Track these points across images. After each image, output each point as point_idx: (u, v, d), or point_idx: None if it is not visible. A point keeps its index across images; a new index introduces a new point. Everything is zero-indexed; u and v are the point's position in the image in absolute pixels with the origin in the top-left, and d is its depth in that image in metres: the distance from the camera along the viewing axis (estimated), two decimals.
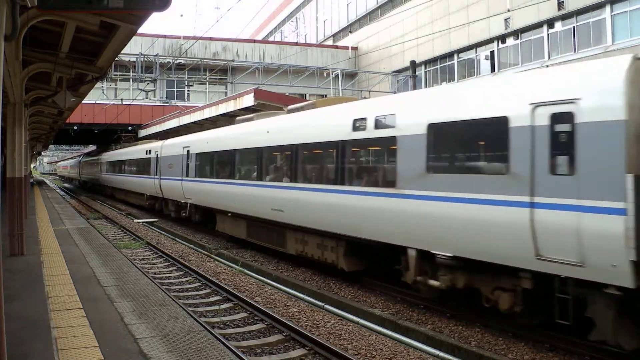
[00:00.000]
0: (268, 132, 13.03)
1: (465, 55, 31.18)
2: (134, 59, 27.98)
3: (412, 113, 8.65)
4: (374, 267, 10.74)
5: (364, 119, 9.52)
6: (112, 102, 33.86)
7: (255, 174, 13.65)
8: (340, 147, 10.08)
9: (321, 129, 10.97)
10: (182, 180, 19.19)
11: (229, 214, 15.29)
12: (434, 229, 7.90)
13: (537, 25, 25.46)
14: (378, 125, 9.23)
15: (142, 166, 25.70)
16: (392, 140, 8.78)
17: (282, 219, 12.07)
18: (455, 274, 7.87)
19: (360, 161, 10.26)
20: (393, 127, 8.82)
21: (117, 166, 32.57)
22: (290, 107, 13.54)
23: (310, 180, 11.28)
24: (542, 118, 6.51)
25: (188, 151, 18.90)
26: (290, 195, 11.58)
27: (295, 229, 11.89)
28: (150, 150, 24.64)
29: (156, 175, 22.97)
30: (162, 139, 26.22)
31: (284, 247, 12.58)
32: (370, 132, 9.37)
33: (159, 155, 22.83)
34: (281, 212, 12.00)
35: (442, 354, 7.00)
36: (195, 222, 19.26)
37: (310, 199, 10.86)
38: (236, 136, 15.22)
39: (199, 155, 18.01)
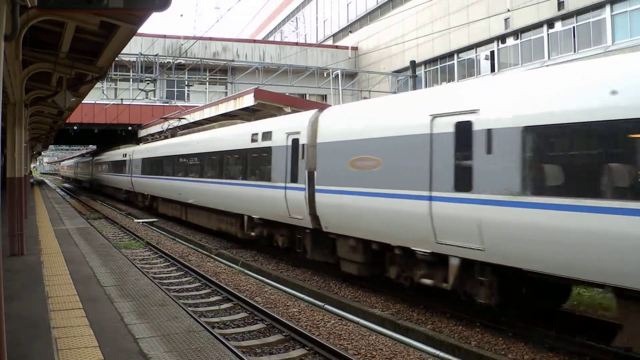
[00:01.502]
0: None
1: (465, 55, 31.19)
2: (134, 59, 28.01)
3: None
4: None
5: None
6: (112, 102, 33.86)
7: None
8: None
9: None
10: (427, 199, 7.81)
11: None
12: None
13: (537, 25, 25.48)
14: None
15: (241, 164, 14.58)
16: None
17: None
18: None
19: None
20: None
21: (170, 166, 21.43)
22: None
23: None
24: None
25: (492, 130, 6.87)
26: None
27: None
28: (270, 133, 12.78)
29: (297, 183, 11.31)
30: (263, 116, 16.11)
31: None
32: None
33: (306, 144, 11.10)
34: None
35: (442, 354, 7.00)
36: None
37: None
38: None
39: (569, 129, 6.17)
